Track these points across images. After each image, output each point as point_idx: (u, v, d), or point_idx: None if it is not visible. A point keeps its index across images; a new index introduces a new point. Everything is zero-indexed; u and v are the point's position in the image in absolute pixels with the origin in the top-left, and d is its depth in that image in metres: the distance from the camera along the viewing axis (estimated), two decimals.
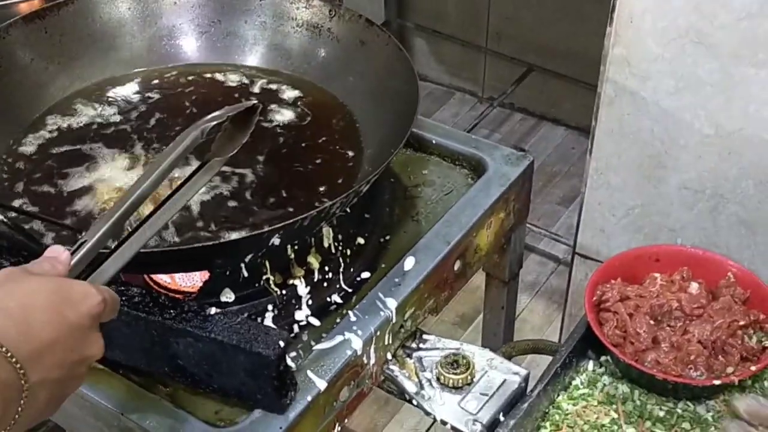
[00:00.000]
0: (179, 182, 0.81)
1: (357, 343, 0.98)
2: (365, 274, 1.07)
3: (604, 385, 1.06)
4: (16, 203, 1.06)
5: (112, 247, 0.76)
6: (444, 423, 1.02)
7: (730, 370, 1.02)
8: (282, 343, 0.86)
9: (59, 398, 0.68)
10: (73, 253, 0.73)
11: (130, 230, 0.78)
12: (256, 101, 0.83)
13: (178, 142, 0.79)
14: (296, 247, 1.02)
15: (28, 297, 0.66)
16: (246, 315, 0.98)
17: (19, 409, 0.63)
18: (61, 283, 0.69)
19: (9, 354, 0.61)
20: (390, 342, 1.04)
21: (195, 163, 0.86)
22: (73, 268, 0.73)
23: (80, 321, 0.67)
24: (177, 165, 0.79)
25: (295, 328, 1.01)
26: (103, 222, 0.75)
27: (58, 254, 0.73)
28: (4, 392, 0.61)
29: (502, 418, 1.01)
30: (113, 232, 0.76)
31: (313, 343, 0.99)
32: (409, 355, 1.07)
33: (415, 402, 1.04)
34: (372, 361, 1.01)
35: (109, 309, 0.71)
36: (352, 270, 1.07)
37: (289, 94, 1.24)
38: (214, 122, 0.80)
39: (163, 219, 0.79)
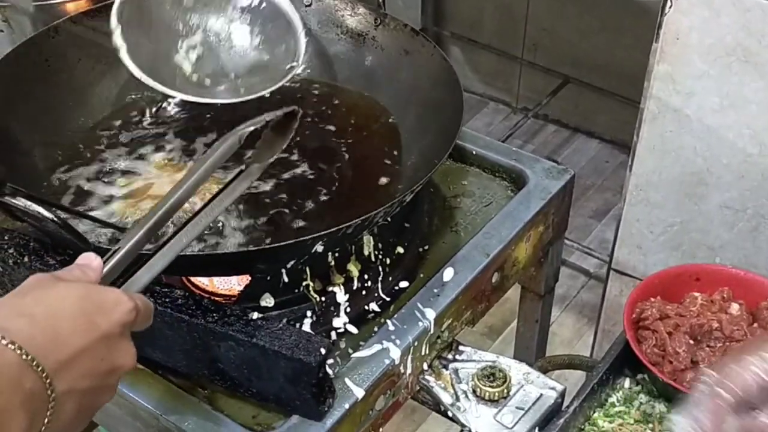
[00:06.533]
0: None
1: (395, 353, 0.98)
2: (404, 284, 1.07)
3: (641, 403, 1.06)
4: (63, 201, 1.07)
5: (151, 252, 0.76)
6: None
7: None
8: (323, 351, 0.86)
9: (89, 409, 0.66)
10: (106, 261, 0.72)
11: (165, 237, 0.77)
12: (295, 107, 0.82)
13: (214, 149, 0.77)
14: (337, 255, 1.02)
15: (57, 304, 0.64)
16: (285, 320, 0.98)
17: (46, 420, 0.61)
18: (91, 289, 0.67)
19: (35, 363, 0.59)
20: (427, 352, 1.04)
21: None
22: (106, 275, 0.71)
23: (111, 329, 0.65)
24: (213, 172, 0.77)
25: (333, 335, 1.01)
26: (137, 229, 0.74)
27: (89, 261, 0.71)
28: (29, 402, 0.59)
29: None
30: (147, 239, 0.74)
31: (350, 350, 0.99)
32: (446, 366, 1.07)
33: (450, 413, 1.04)
34: (409, 371, 1.01)
35: (141, 317, 0.70)
36: (390, 279, 1.07)
37: (334, 101, 1.25)
38: (252, 128, 0.78)
39: (201, 226, 0.78)
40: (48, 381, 0.60)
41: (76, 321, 0.64)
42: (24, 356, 0.59)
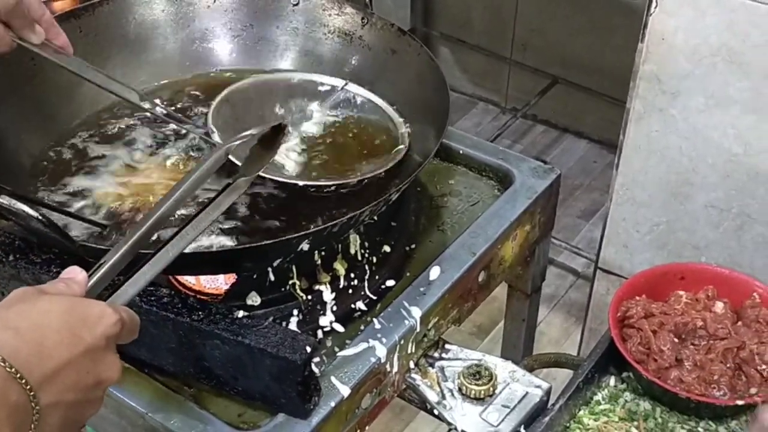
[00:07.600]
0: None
1: (381, 351, 0.98)
2: (390, 282, 1.08)
3: (626, 401, 1.06)
4: (50, 199, 1.07)
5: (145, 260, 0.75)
6: None
7: (753, 390, 1.01)
8: (309, 349, 0.86)
9: (74, 422, 0.66)
10: (91, 275, 0.72)
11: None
12: (282, 121, 0.82)
13: (201, 163, 0.77)
14: (323, 253, 1.03)
15: (41, 317, 0.64)
16: (271, 319, 0.98)
17: None
18: (76, 302, 0.67)
19: (19, 375, 0.60)
20: (413, 351, 1.04)
21: None
22: (91, 289, 0.71)
23: (95, 342, 0.66)
24: (200, 186, 0.77)
25: (319, 333, 1.01)
26: (122, 243, 0.74)
27: (74, 274, 0.71)
28: (14, 416, 0.59)
29: (522, 431, 1.01)
30: (133, 253, 0.74)
31: (336, 349, 0.99)
32: (432, 365, 1.07)
33: (436, 412, 1.04)
34: (395, 369, 1.01)
35: (126, 330, 0.70)
36: (377, 277, 1.07)
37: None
38: (239, 142, 0.79)
39: (187, 239, 0.78)
40: (32, 394, 0.61)
41: (60, 334, 0.64)
42: (8, 369, 0.60)
